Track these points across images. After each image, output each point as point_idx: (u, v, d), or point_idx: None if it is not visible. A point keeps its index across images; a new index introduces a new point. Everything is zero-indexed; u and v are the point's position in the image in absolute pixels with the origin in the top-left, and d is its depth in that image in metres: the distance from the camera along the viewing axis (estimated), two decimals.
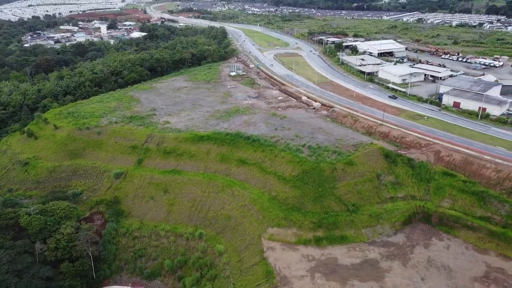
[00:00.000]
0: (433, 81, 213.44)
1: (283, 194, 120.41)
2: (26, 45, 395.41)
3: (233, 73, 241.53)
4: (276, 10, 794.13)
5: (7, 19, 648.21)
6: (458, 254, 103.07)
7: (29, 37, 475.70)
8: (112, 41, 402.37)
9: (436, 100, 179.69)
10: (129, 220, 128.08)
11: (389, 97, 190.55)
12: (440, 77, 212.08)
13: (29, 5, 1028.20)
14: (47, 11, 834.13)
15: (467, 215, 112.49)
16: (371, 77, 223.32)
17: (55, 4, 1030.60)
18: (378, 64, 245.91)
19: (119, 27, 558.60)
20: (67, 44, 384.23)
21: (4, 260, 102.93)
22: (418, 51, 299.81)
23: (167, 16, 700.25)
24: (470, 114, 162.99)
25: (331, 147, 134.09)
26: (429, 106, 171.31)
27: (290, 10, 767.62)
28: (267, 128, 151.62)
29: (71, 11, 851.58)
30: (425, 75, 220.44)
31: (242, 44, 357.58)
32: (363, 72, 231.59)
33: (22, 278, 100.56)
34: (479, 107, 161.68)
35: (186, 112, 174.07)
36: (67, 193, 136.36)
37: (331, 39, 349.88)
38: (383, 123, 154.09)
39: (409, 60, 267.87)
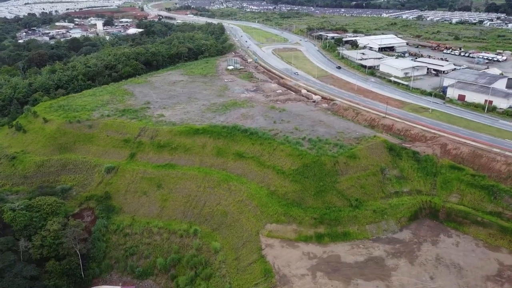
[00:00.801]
0: (436, 75, 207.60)
1: (282, 189, 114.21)
2: (20, 41, 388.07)
3: (230, 67, 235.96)
4: (275, 8, 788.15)
5: (3, 17, 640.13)
6: (468, 252, 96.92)
7: (24, 33, 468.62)
8: (108, 37, 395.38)
9: (440, 93, 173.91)
10: (120, 217, 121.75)
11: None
12: (443, 71, 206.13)
13: (26, 3, 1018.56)
14: (43, 9, 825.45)
15: (477, 210, 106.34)
16: (372, 71, 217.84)
17: (52, 2, 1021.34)
18: (379, 58, 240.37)
19: (116, 24, 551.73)
20: (62, 40, 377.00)
21: None
22: (419, 46, 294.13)
23: (164, 13, 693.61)
24: (476, 107, 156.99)
25: (332, 140, 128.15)
26: (433, 99, 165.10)
27: (289, 8, 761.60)
28: (265, 121, 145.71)
29: (67, 9, 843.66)
30: (427, 68, 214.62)
31: (240, 39, 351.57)
32: (364, 66, 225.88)
33: (4, 277, 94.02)
34: (485, 100, 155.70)
35: (181, 106, 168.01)
36: (55, 188, 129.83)
37: (331, 34, 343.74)
38: (386, 116, 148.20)
39: (411, 54, 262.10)
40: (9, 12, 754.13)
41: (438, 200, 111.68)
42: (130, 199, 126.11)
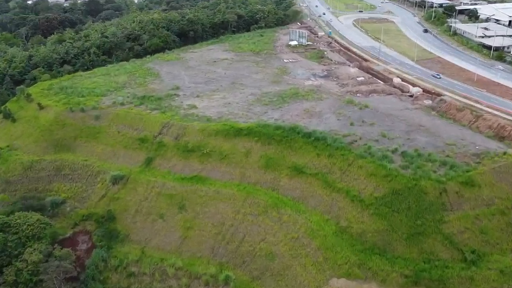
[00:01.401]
0: None
1: (358, 226, 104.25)
2: (29, 2, 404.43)
3: (293, 42, 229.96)
4: None
5: None
6: None
7: None
8: (136, 0, 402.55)
9: None
10: (126, 247, 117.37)
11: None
12: None
13: None
14: None
15: None
16: (500, 54, 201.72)
17: None
18: (511, 35, 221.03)
19: None
20: (79, 1, 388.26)
21: None
22: None
23: None
24: None
25: (438, 155, 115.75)
26: None
27: None
28: (338, 122, 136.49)
29: None
30: None
31: (309, 5, 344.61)
32: (488, 47, 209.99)
33: None
34: None
35: (221, 94, 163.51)
36: (44, 200, 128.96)
37: (439, 1, 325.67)
38: None
39: None
40: None
41: None
42: (141, 223, 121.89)
